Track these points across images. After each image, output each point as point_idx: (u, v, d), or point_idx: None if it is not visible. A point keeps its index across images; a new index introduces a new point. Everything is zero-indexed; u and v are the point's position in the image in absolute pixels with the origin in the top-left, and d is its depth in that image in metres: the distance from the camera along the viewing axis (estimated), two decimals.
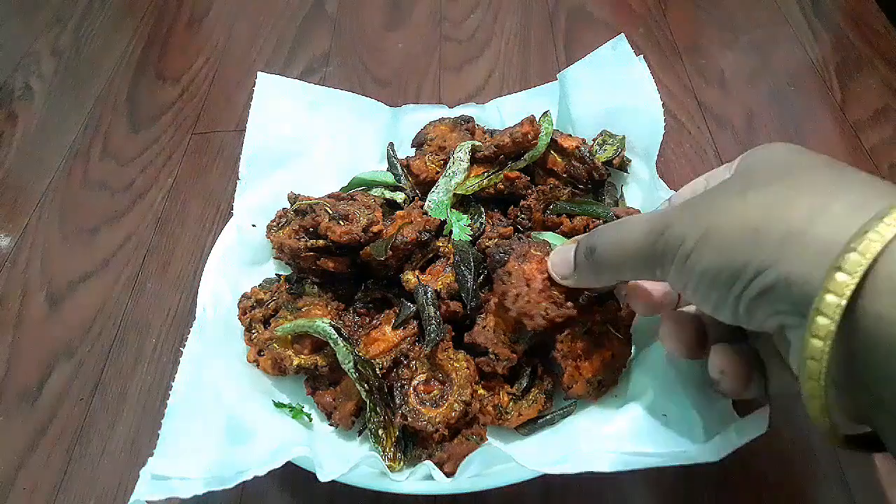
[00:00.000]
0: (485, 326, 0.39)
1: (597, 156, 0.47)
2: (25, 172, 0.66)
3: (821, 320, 0.18)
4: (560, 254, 0.33)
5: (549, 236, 0.42)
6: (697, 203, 0.24)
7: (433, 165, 0.49)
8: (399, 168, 0.51)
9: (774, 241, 0.20)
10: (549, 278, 0.34)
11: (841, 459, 0.40)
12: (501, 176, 0.46)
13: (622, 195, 0.49)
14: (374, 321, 0.42)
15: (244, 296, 0.45)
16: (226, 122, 0.68)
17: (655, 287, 0.33)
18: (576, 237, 0.33)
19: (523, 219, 0.45)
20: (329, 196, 0.47)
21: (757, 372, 0.28)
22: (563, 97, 0.53)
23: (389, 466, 0.36)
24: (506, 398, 0.39)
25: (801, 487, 0.39)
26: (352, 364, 0.38)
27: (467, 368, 0.38)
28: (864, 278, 0.18)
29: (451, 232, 0.44)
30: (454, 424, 0.37)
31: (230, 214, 0.47)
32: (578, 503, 0.39)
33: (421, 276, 0.41)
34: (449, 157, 0.47)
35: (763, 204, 0.21)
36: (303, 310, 0.42)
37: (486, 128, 0.53)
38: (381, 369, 0.38)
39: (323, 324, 0.39)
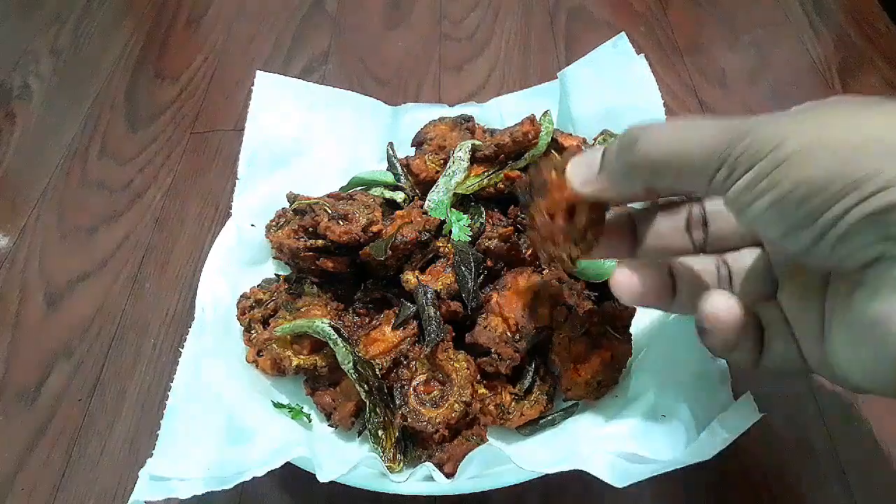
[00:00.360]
0: (486, 326, 0.38)
1: None
2: (24, 172, 0.66)
3: None
4: (583, 157, 0.27)
5: None
6: (797, 113, 0.21)
7: (433, 165, 0.48)
8: (399, 168, 0.50)
9: None
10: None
11: (841, 459, 0.40)
12: (501, 175, 0.45)
13: None
14: (374, 321, 0.42)
15: (243, 296, 0.44)
16: (225, 122, 0.68)
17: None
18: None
19: (523, 218, 0.44)
20: (328, 196, 0.47)
21: (752, 338, 0.26)
22: (563, 96, 0.53)
23: (389, 467, 0.36)
24: (508, 398, 0.39)
25: (801, 487, 0.39)
26: (351, 364, 0.37)
27: (467, 369, 0.38)
28: None
29: (451, 232, 0.44)
30: (454, 425, 0.37)
31: (229, 214, 0.47)
32: (578, 503, 0.39)
33: (421, 277, 0.41)
34: (449, 157, 0.47)
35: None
36: (302, 310, 0.42)
37: (486, 127, 0.53)
38: (380, 370, 0.38)
39: (322, 324, 0.39)
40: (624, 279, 0.28)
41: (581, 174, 0.27)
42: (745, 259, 0.28)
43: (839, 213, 0.19)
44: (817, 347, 0.24)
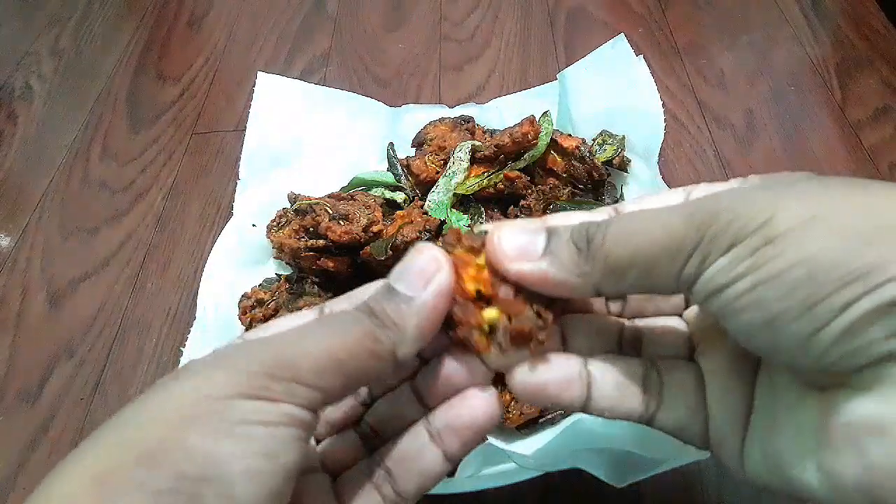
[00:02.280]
0: None
1: (597, 156, 0.48)
2: (25, 172, 0.66)
3: None
4: (515, 230, 0.20)
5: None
6: (779, 187, 0.18)
7: (433, 165, 0.49)
8: (399, 168, 0.51)
9: None
10: None
11: None
12: (501, 176, 0.46)
13: (622, 195, 0.49)
14: None
15: (244, 296, 0.45)
16: (226, 122, 0.68)
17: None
18: (526, 220, 0.22)
19: (523, 218, 0.45)
20: (329, 196, 0.47)
21: (650, 395, 0.21)
22: (562, 97, 0.53)
23: None
24: (508, 397, 0.39)
25: None
26: None
27: None
28: None
29: None
30: None
31: (230, 214, 0.47)
32: (578, 503, 0.39)
33: None
34: (449, 157, 0.47)
35: None
36: (303, 310, 0.42)
37: (486, 128, 0.53)
38: None
39: None
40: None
41: (517, 248, 0.20)
42: (658, 322, 0.24)
43: (843, 302, 0.16)
44: (733, 434, 0.20)
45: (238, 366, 0.17)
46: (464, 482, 0.34)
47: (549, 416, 0.39)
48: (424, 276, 0.19)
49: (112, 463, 0.15)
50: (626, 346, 0.23)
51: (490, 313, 0.20)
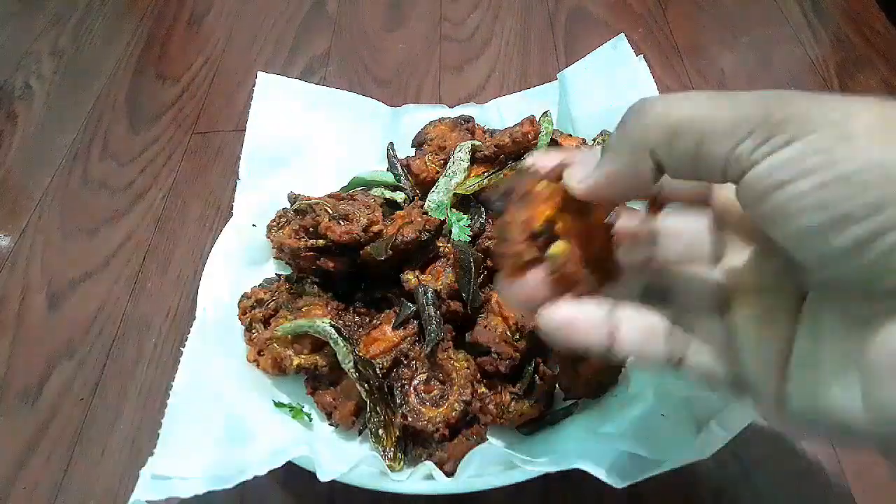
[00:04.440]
0: (486, 326, 0.39)
1: None
2: (25, 172, 0.66)
3: None
4: (577, 165, 0.22)
5: None
6: (849, 98, 0.17)
7: (433, 165, 0.49)
8: (399, 168, 0.51)
9: None
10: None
11: (841, 460, 0.40)
12: (502, 176, 0.46)
13: None
14: (374, 321, 0.42)
15: (244, 296, 0.45)
16: (226, 122, 0.68)
17: None
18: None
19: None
20: (329, 196, 0.47)
21: (676, 341, 0.22)
22: (562, 97, 0.53)
23: (390, 466, 0.36)
24: (508, 397, 0.39)
25: (802, 486, 0.39)
26: (352, 364, 0.38)
27: (467, 368, 0.38)
28: None
29: (451, 232, 0.44)
30: (454, 424, 0.37)
31: (230, 214, 0.47)
32: (578, 503, 0.39)
33: (421, 276, 0.41)
34: (449, 157, 0.47)
35: None
36: (303, 309, 0.42)
37: (486, 128, 0.53)
38: (381, 369, 0.38)
39: (323, 324, 0.39)
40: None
41: (578, 170, 0.22)
42: (690, 272, 0.24)
43: None
44: (772, 377, 0.20)
45: None
46: (464, 482, 0.34)
47: (548, 417, 0.39)
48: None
49: None
50: (654, 298, 0.24)
51: (556, 247, 0.22)
